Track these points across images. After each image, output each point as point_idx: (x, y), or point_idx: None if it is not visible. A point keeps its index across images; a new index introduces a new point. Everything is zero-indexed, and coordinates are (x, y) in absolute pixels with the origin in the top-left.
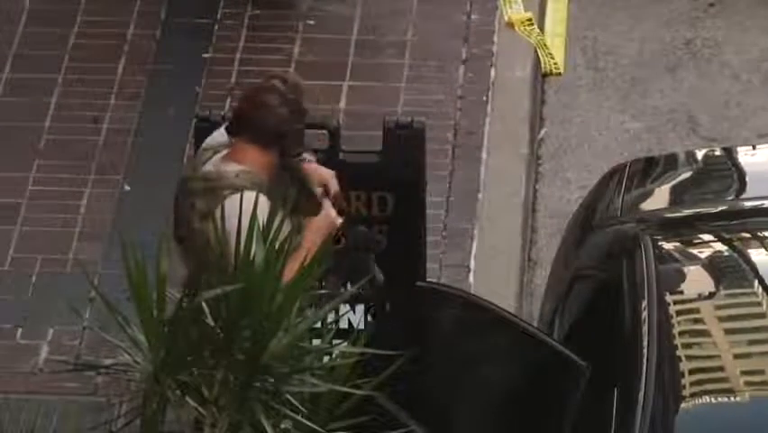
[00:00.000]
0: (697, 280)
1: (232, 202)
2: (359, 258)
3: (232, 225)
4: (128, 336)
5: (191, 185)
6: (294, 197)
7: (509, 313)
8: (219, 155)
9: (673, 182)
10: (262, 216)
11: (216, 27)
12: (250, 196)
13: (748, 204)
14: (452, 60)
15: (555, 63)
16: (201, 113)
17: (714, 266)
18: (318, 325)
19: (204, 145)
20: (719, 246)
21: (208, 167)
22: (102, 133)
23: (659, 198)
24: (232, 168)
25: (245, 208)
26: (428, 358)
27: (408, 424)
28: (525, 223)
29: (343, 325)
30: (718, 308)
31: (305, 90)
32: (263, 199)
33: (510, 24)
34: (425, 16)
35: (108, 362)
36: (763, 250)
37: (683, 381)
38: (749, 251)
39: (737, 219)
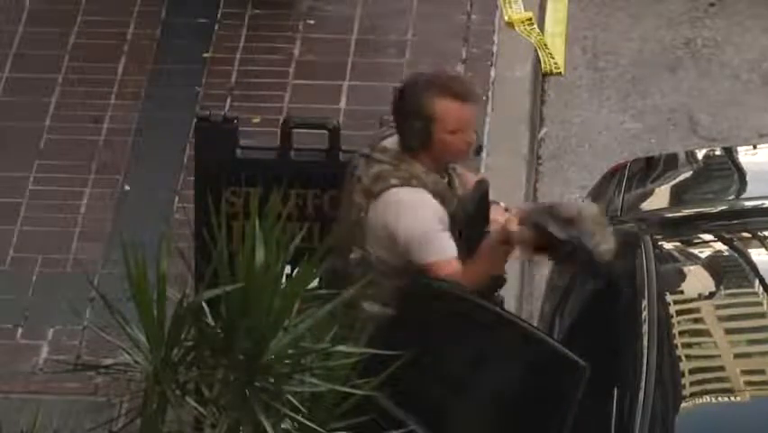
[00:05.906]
0: (697, 280)
1: (403, 194)
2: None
3: (409, 215)
4: (128, 336)
5: (372, 153)
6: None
7: (509, 312)
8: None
9: (673, 182)
10: (437, 215)
11: (216, 27)
12: (421, 193)
13: (748, 204)
14: (452, 60)
15: (555, 63)
16: (201, 113)
17: (714, 266)
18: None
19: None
20: (719, 246)
21: (389, 142)
22: (102, 133)
23: (659, 198)
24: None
25: (421, 204)
26: (427, 357)
27: (408, 424)
28: None
29: None
30: (718, 307)
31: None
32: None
33: (510, 24)
34: (425, 16)
35: (108, 362)
36: (763, 250)
37: (683, 381)
38: (749, 251)
39: (737, 219)
